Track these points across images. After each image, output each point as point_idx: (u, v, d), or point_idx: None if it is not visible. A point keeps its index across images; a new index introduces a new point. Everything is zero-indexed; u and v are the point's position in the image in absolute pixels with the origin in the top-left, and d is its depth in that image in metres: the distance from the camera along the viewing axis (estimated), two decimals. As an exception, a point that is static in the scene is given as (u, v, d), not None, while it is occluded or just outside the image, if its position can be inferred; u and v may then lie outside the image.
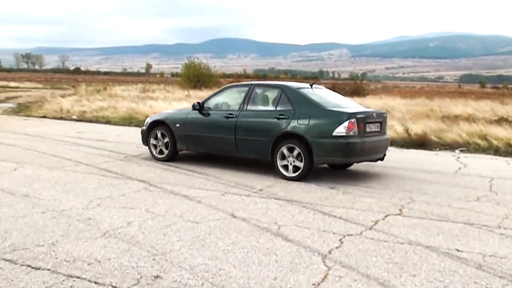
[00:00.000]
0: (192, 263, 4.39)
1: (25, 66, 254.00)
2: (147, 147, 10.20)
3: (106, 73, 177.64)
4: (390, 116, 18.96)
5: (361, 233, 5.43)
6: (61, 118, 19.41)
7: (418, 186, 8.05)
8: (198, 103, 9.63)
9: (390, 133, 13.71)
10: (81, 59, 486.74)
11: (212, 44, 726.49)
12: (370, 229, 5.59)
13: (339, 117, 8.04)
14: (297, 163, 8.21)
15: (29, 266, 4.26)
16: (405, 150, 12.43)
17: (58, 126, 16.52)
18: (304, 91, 8.86)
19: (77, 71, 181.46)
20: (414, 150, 12.50)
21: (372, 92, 42.33)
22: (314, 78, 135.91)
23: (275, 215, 6.04)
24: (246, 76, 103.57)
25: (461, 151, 12.47)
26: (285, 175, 8.31)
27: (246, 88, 9.39)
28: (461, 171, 9.65)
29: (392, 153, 11.79)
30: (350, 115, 8.03)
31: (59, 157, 9.83)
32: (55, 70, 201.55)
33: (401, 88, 78.01)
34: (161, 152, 9.93)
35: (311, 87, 9.19)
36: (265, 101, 9.17)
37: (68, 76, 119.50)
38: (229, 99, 9.64)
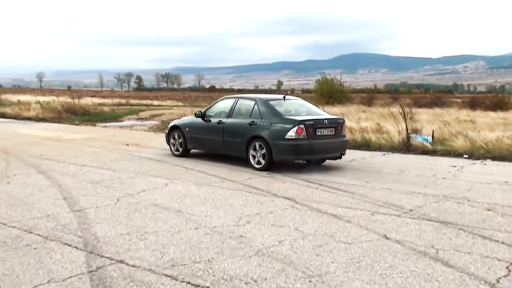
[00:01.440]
0: (350, 287, 4.25)
1: (164, 85, 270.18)
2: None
3: (239, 90, 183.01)
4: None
5: (530, 261, 4.97)
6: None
7: None
8: (200, 111, 12.50)
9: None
10: (215, 78, 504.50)
11: (341, 60, 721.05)
12: (540, 256, 5.11)
13: (291, 123, 10.23)
14: (262, 158, 10.51)
15: (189, 283, 4.34)
16: None
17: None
18: (272, 102, 11.20)
19: (212, 89, 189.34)
20: None
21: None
22: (448, 91, 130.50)
23: (430, 238, 5.73)
24: (377, 91, 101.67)
25: None
26: (254, 167, 10.61)
27: (233, 100, 11.97)
28: None
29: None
30: (300, 122, 10.20)
31: (205, 173, 10.15)
32: (191, 88, 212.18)
33: (547, 101, 72.04)
34: (177, 149, 12.73)
35: (284, 99, 11.56)
36: (244, 110, 11.40)
37: (204, 94, 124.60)
38: (223, 108, 12.03)
